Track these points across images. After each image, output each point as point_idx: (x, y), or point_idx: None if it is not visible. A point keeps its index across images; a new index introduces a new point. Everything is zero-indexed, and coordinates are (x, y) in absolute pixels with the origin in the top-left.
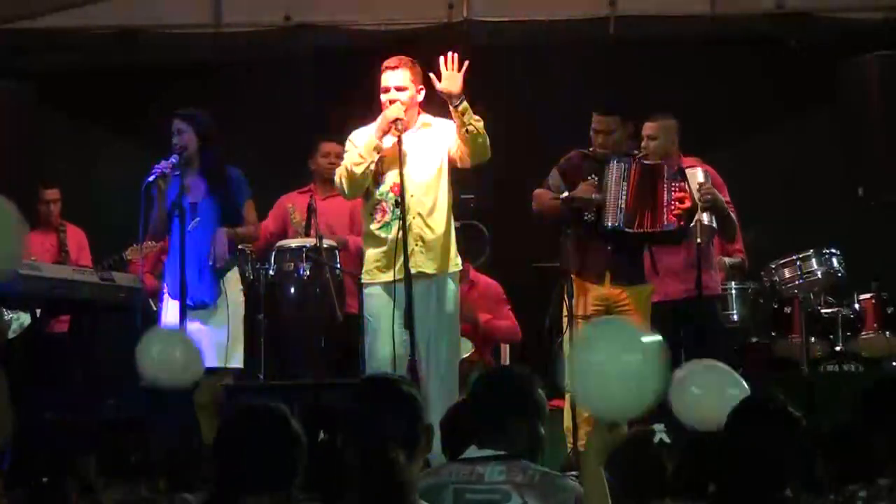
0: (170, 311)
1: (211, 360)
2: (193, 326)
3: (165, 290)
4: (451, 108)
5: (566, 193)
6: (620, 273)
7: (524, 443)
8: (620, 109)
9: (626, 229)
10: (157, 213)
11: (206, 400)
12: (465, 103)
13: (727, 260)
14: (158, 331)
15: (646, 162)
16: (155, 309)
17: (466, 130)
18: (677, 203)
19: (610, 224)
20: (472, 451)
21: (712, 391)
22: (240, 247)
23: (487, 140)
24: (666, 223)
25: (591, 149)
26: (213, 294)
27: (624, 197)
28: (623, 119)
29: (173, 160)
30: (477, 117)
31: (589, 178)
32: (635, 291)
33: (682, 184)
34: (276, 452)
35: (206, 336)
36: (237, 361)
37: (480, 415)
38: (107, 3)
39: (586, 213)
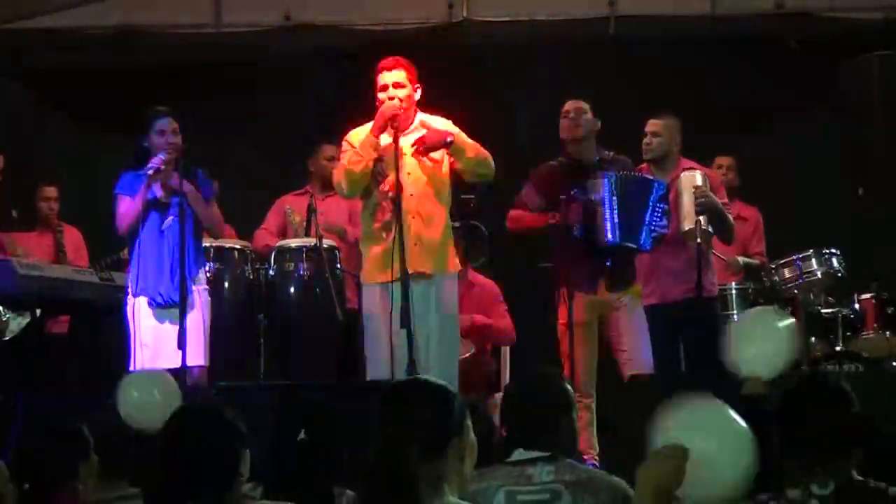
0: (140, 311)
1: (190, 358)
2: (165, 325)
3: (130, 291)
4: (447, 152)
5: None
6: (614, 281)
7: (566, 440)
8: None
9: (625, 244)
10: (136, 209)
11: None
12: (454, 143)
13: (741, 259)
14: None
15: (636, 175)
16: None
17: (466, 170)
18: (657, 227)
19: (609, 239)
20: (520, 454)
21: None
22: (239, 246)
23: (489, 159)
24: (642, 243)
25: (559, 159)
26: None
27: (616, 211)
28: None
29: (163, 157)
30: (471, 144)
31: (572, 192)
32: (626, 294)
33: (667, 206)
34: (218, 454)
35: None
36: (205, 359)
37: (524, 419)
38: (107, 3)
39: (576, 230)
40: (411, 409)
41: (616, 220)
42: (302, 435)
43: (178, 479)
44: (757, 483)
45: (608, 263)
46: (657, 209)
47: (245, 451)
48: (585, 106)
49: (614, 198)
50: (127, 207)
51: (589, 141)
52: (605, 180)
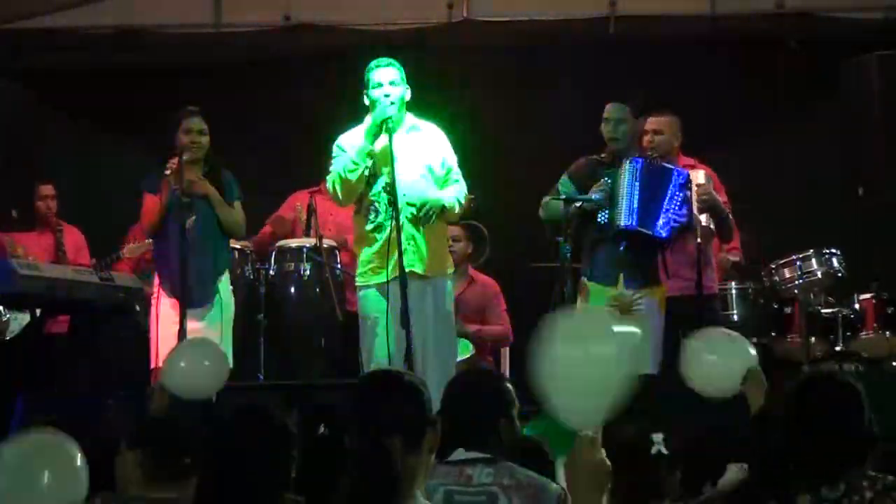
0: (167, 311)
1: None
2: (192, 326)
3: (159, 290)
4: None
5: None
6: (633, 274)
7: (507, 441)
8: (632, 106)
9: (640, 229)
10: (161, 210)
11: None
12: (447, 211)
13: (730, 257)
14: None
15: (658, 163)
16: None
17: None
18: (675, 216)
19: (623, 223)
20: (460, 454)
21: (726, 357)
22: (239, 246)
23: (462, 206)
24: (657, 229)
25: (602, 155)
26: (209, 294)
27: (637, 197)
28: (634, 114)
29: (185, 157)
30: (456, 201)
31: (602, 180)
32: (649, 293)
33: (688, 194)
34: (270, 456)
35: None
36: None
37: (464, 418)
38: (107, 3)
39: (601, 215)
40: (393, 400)
41: (634, 206)
42: (322, 429)
43: (229, 481)
44: (762, 488)
45: (622, 248)
46: (676, 197)
47: (295, 454)
48: (623, 113)
49: (636, 183)
50: (150, 205)
51: (630, 150)
52: (630, 166)
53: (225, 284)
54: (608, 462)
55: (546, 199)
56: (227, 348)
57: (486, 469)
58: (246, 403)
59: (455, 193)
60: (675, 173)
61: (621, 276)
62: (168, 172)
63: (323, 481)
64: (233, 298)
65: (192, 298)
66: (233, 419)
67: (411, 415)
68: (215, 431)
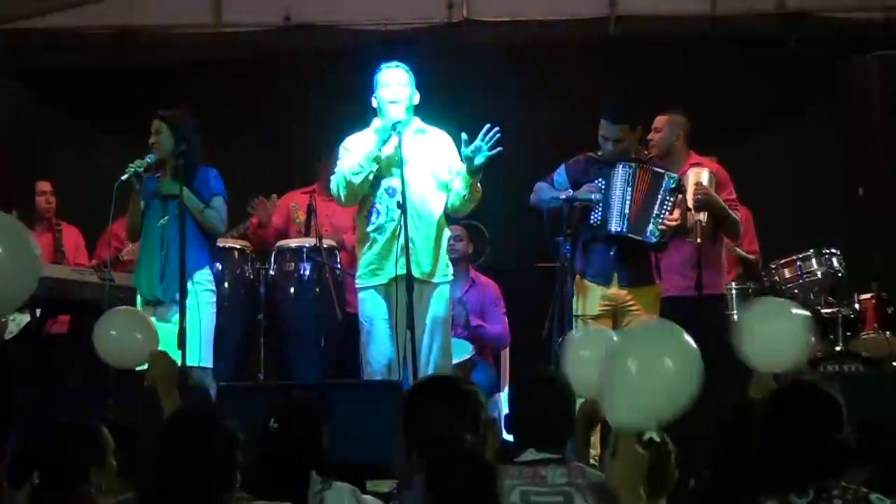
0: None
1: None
2: (164, 326)
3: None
4: (468, 172)
5: (569, 192)
6: (627, 275)
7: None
8: (631, 118)
9: (630, 235)
10: (133, 212)
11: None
12: (479, 175)
13: (740, 251)
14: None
15: (651, 168)
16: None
17: (469, 196)
18: (666, 220)
19: (613, 229)
20: (531, 454)
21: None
22: (239, 246)
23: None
24: (648, 234)
25: (598, 153)
26: (182, 292)
27: (628, 202)
28: (632, 127)
29: (148, 159)
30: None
31: (596, 181)
32: (643, 293)
33: (678, 198)
34: (214, 459)
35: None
36: (208, 361)
37: (536, 419)
38: (107, 3)
39: (593, 216)
40: (462, 403)
41: (625, 212)
42: (272, 423)
43: (175, 481)
44: (731, 491)
45: (611, 253)
46: (667, 203)
47: (239, 455)
48: (622, 133)
49: (628, 188)
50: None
51: (628, 152)
52: (622, 171)
53: (200, 283)
54: (646, 455)
55: (541, 184)
56: (206, 347)
57: (558, 469)
58: (190, 406)
59: None
60: (666, 177)
61: (616, 275)
62: (125, 177)
63: (274, 476)
64: (212, 297)
65: (153, 296)
66: (176, 421)
67: (472, 420)
68: (161, 432)
